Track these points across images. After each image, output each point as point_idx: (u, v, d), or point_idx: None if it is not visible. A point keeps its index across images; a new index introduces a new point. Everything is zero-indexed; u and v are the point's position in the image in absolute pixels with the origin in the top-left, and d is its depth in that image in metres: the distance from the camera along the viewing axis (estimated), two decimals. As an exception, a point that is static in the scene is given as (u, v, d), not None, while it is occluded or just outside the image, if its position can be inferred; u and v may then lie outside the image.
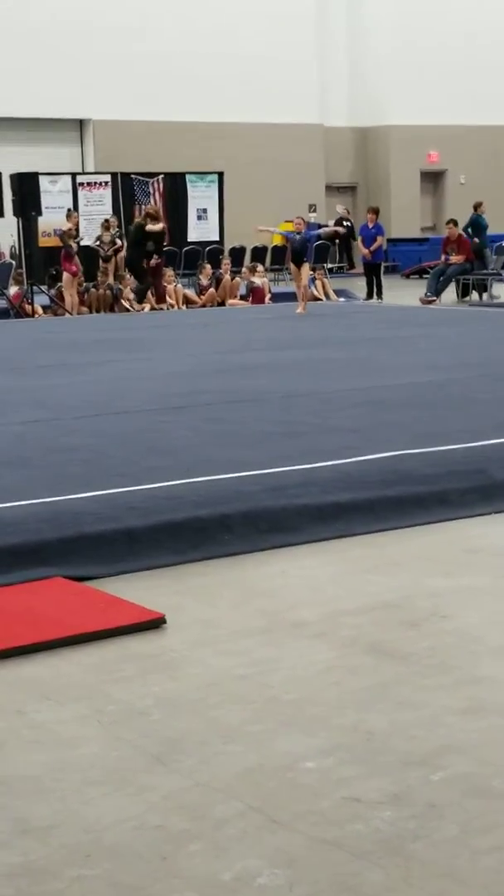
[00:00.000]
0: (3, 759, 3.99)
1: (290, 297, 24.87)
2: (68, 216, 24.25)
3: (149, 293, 22.70)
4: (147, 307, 22.67)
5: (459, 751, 3.92)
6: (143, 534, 6.37)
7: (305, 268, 20.32)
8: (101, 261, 24.07)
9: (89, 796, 3.69)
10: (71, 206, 26.02)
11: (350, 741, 4.03)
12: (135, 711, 4.36)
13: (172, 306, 23.14)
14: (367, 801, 3.59)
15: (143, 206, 25.26)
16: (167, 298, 23.14)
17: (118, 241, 24.16)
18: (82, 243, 23.87)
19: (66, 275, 22.48)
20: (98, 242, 24.34)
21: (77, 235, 23.51)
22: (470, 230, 24.41)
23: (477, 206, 24.78)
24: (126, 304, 22.54)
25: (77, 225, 24.06)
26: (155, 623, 5.28)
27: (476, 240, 24.04)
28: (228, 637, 5.13)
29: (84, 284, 23.13)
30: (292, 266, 20.74)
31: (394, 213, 35.21)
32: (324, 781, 3.74)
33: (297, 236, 20.09)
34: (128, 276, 23.06)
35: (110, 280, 23.58)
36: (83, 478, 7.48)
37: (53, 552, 6.08)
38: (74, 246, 22.62)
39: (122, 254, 23.78)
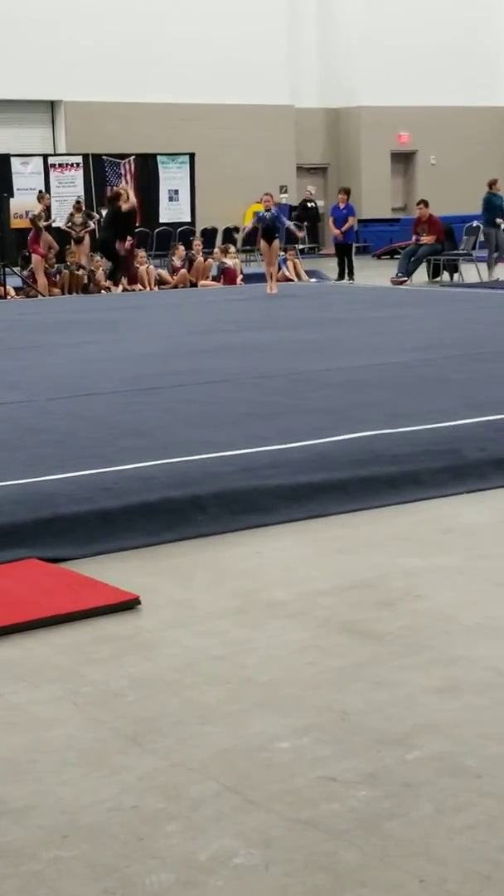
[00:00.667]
0: (-22, 741, 3.98)
1: (262, 277, 24.84)
2: (40, 198, 24.16)
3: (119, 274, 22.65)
4: (120, 288, 22.61)
5: (434, 730, 3.94)
6: (117, 515, 6.36)
7: (275, 244, 20.33)
8: (72, 242, 23.98)
9: (65, 777, 3.69)
10: (42, 187, 25.91)
11: (325, 721, 4.04)
12: (110, 693, 4.35)
13: (143, 288, 23.08)
14: (342, 781, 3.60)
15: (112, 187, 25.15)
16: (138, 280, 23.08)
17: (90, 223, 24.08)
18: (54, 225, 23.79)
19: (35, 257, 22.40)
20: (69, 224, 24.26)
21: (49, 217, 23.43)
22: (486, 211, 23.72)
23: (492, 185, 23.93)
24: (106, 286, 22.43)
25: (48, 207, 23.98)
26: (129, 604, 5.28)
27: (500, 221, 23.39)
28: (203, 618, 5.14)
29: (56, 266, 23.05)
30: (263, 244, 20.73)
31: (365, 193, 35.19)
32: (299, 761, 3.75)
33: (267, 214, 20.09)
34: (98, 257, 22.99)
35: (82, 261, 23.50)
36: (57, 459, 7.47)
37: (27, 533, 6.07)
38: (44, 227, 22.55)
39: (93, 235, 23.69)
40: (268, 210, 20.13)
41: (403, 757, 3.75)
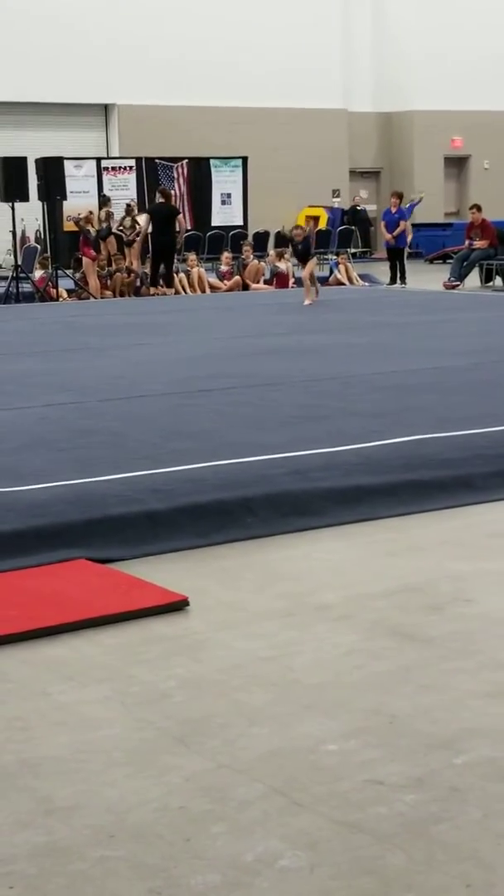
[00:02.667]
0: (28, 739, 4.00)
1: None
2: (104, 203, 24.40)
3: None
4: (172, 291, 22.67)
5: (482, 734, 3.92)
6: (166, 516, 6.37)
7: (311, 263, 19.91)
8: (123, 245, 24.09)
9: (113, 777, 3.70)
10: (96, 191, 26.09)
11: (372, 724, 4.03)
12: (158, 693, 4.36)
13: (180, 291, 23.08)
14: (389, 784, 3.59)
15: (170, 191, 25.24)
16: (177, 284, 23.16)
17: (137, 226, 24.17)
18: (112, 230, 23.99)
19: (85, 259, 22.53)
20: (120, 227, 24.37)
21: (108, 221, 23.68)
22: None
23: None
24: (163, 290, 22.49)
25: (110, 213, 24.18)
26: (178, 605, 5.28)
27: None
28: (251, 620, 5.13)
29: (107, 269, 23.16)
30: (300, 263, 20.52)
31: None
32: (346, 764, 3.74)
33: (299, 245, 19.77)
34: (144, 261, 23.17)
35: (133, 265, 23.58)
36: (107, 460, 7.49)
37: (77, 534, 6.09)
38: (93, 231, 22.68)
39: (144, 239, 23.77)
40: (299, 243, 19.83)
41: (451, 761, 3.73)
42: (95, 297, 22.23)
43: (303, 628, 5.02)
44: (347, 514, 6.70)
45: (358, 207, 33.36)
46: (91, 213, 23.88)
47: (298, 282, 24.08)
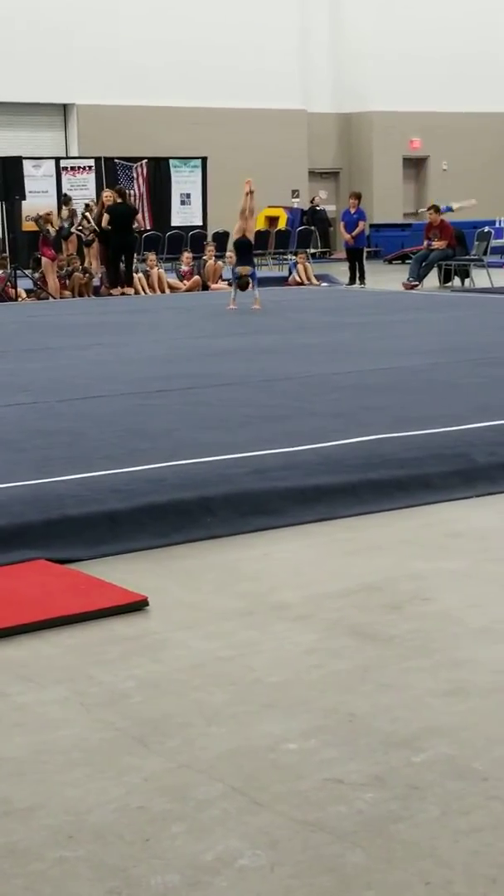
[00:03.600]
0: (-15, 740, 3.98)
1: (273, 281, 24.90)
2: (66, 202, 24.32)
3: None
4: (132, 291, 22.64)
5: (441, 733, 3.93)
6: (126, 516, 6.36)
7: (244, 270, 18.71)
8: (83, 245, 24.02)
9: (72, 778, 3.69)
10: (55, 190, 26.00)
11: (332, 723, 4.04)
12: (117, 693, 4.35)
13: (140, 292, 23.06)
14: (348, 783, 3.60)
15: (127, 191, 25.18)
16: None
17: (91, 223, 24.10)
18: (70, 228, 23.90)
19: (44, 259, 22.46)
20: (80, 227, 24.30)
21: (72, 221, 23.62)
22: None
23: None
24: (129, 290, 22.44)
25: (73, 212, 24.10)
26: (138, 605, 5.28)
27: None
28: (211, 619, 5.13)
29: (65, 269, 23.08)
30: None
31: (376, 198, 35.20)
32: (306, 763, 3.75)
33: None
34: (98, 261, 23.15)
35: (93, 265, 23.52)
36: (65, 460, 7.47)
37: (36, 534, 6.07)
38: (52, 231, 22.60)
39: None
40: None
41: (410, 759, 3.74)
42: (55, 297, 22.16)
43: (262, 628, 5.02)
44: (307, 513, 6.71)
45: (317, 207, 33.45)
46: (50, 212, 23.82)
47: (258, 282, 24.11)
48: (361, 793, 3.53)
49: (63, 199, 25.04)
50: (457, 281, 23.79)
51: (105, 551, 6.09)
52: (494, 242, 24.59)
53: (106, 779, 3.68)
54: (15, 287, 21.91)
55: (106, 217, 22.44)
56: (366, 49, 35.67)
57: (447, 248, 23.24)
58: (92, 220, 23.44)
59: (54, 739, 3.97)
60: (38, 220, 22.76)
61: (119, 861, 3.21)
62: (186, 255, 24.56)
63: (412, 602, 5.28)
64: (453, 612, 5.13)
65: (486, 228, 24.28)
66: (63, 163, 27.47)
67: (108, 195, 22.93)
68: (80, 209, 24.66)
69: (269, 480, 6.97)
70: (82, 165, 27.58)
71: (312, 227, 30.83)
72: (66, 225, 23.82)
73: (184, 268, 24.33)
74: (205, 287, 23.85)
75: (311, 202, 33.93)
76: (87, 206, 24.83)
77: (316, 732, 3.96)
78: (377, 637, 4.85)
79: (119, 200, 22.65)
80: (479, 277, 23.31)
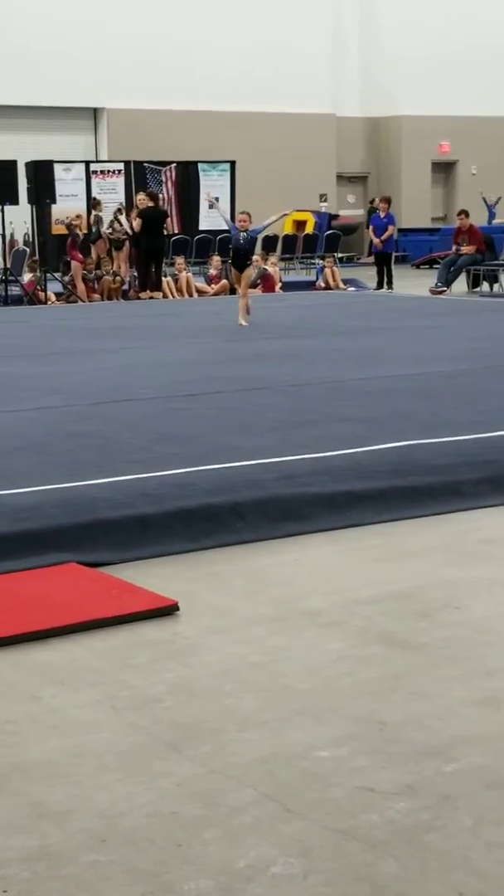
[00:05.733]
0: (19, 743, 4.00)
1: (301, 286, 24.91)
2: (95, 205, 24.38)
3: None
4: (160, 295, 22.69)
5: (473, 742, 3.93)
6: (156, 520, 6.38)
7: (248, 272, 17.19)
8: (112, 248, 24.07)
9: (104, 782, 3.71)
10: (84, 194, 26.07)
11: (363, 731, 4.04)
12: (149, 698, 4.37)
13: (168, 296, 23.10)
14: (381, 792, 3.60)
15: (158, 194, 25.22)
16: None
17: (122, 226, 24.14)
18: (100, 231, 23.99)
19: (74, 263, 22.53)
20: (110, 230, 24.35)
21: (98, 225, 23.68)
22: None
23: None
24: (157, 294, 22.49)
25: (99, 217, 24.16)
26: (168, 610, 5.29)
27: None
28: (241, 625, 5.14)
29: (94, 272, 23.14)
30: (234, 271, 17.44)
31: (405, 203, 35.14)
32: (337, 771, 3.75)
33: (241, 234, 16.59)
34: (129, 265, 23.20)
35: (121, 268, 23.56)
36: (97, 464, 7.49)
37: (68, 538, 6.09)
38: (81, 234, 22.66)
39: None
40: (244, 231, 16.60)
41: (442, 769, 3.74)
42: (83, 301, 22.21)
43: (292, 634, 5.03)
44: (336, 519, 6.71)
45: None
46: (79, 216, 23.87)
47: (285, 286, 24.13)
48: (393, 802, 3.53)
49: (92, 203, 25.10)
50: (485, 286, 23.73)
51: (135, 555, 6.11)
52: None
53: (138, 783, 3.70)
54: (45, 290, 21.98)
55: (138, 220, 22.46)
56: (395, 53, 35.62)
57: (476, 252, 23.19)
58: (125, 224, 23.48)
59: (87, 743, 3.99)
60: (70, 224, 22.82)
61: (152, 866, 3.22)
62: (215, 259, 24.60)
63: (443, 610, 5.28)
64: (485, 621, 5.12)
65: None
66: (93, 166, 27.53)
67: (141, 198, 22.98)
68: (105, 215, 24.68)
69: (298, 486, 6.97)
70: (112, 169, 27.62)
71: (340, 232, 30.67)
72: (93, 229, 23.88)
73: (212, 271, 24.36)
74: (233, 291, 23.85)
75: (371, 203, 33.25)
76: (118, 209, 24.87)
77: (347, 740, 3.97)
78: (408, 645, 4.85)
79: (151, 204, 22.69)
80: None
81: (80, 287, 22.43)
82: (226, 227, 20.70)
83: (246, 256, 16.82)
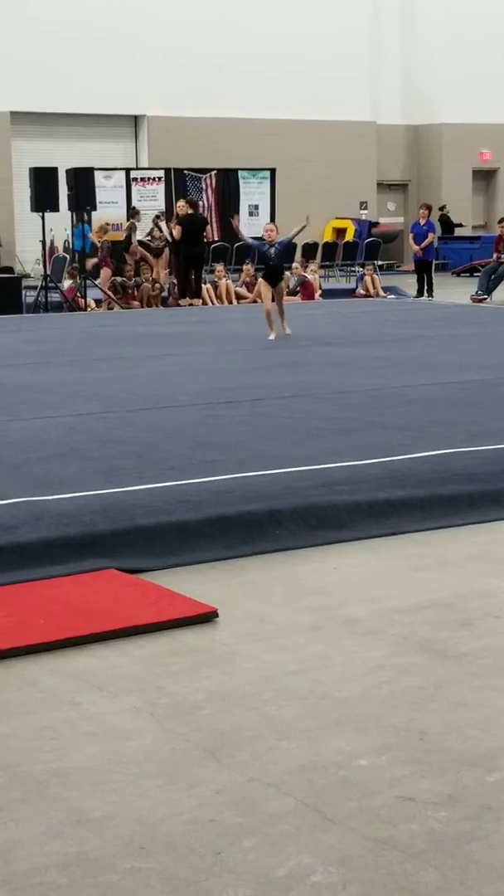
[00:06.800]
0: (58, 749, 4.00)
1: (341, 293, 24.88)
2: (133, 214, 24.48)
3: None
4: (200, 302, 22.72)
5: (514, 752, 3.90)
6: (195, 527, 6.38)
7: (281, 287, 16.26)
8: (151, 255, 24.13)
9: (143, 789, 3.70)
10: (125, 201, 26.16)
11: (403, 740, 4.02)
12: (187, 705, 4.36)
13: (207, 303, 23.12)
14: (421, 801, 3.58)
15: (198, 202, 25.26)
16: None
17: (161, 233, 24.21)
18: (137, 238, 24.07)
19: (104, 270, 22.67)
20: (149, 237, 24.41)
21: (131, 233, 23.77)
22: None
23: None
24: (197, 301, 22.53)
25: (133, 226, 24.26)
26: (207, 617, 5.28)
27: None
28: (280, 632, 5.13)
29: (134, 279, 23.20)
30: (263, 286, 16.35)
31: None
32: (377, 780, 3.73)
33: (271, 249, 15.92)
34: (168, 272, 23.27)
35: (161, 276, 23.61)
36: (136, 471, 7.50)
37: (106, 544, 6.10)
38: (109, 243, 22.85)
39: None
40: (271, 245, 15.88)
41: (483, 779, 3.71)
42: (122, 308, 22.28)
43: (331, 642, 5.01)
44: (375, 527, 6.69)
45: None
46: (108, 224, 23.99)
47: (325, 293, 24.07)
48: (434, 811, 3.51)
49: (130, 213, 25.17)
50: (526, 294, 23.62)
51: (174, 562, 6.11)
52: None
53: (177, 790, 3.69)
54: (84, 297, 22.06)
55: (178, 228, 22.50)
56: (435, 60, 35.54)
57: (517, 261, 23.08)
58: (164, 231, 23.54)
59: (126, 749, 3.99)
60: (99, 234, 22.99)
61: (191, 874, 3.21)
62: (248, 268, 24.56)
63: (483, 619, 5.25)
64: (525, 630, 5.09)
65: None
66: (133, 174, 27.62)
67: (181, 206, 23.03)
68: (142, 224, 24.74)
69: (337, 494, 6.96)
70: (152, 177, 27.71)
71: (380, 240, 30.64)
72: (125, 235, 23.95)
73: (245, 279, 24.34)
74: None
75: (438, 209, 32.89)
76: (157, 216, 24.92)
77: (386, 749, 3.94)
78: (448, 654, 4.83)
79: (190, 211, 22.73)
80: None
81: (109, 295, 22.53)
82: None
83: (278, 271, 16.15)
